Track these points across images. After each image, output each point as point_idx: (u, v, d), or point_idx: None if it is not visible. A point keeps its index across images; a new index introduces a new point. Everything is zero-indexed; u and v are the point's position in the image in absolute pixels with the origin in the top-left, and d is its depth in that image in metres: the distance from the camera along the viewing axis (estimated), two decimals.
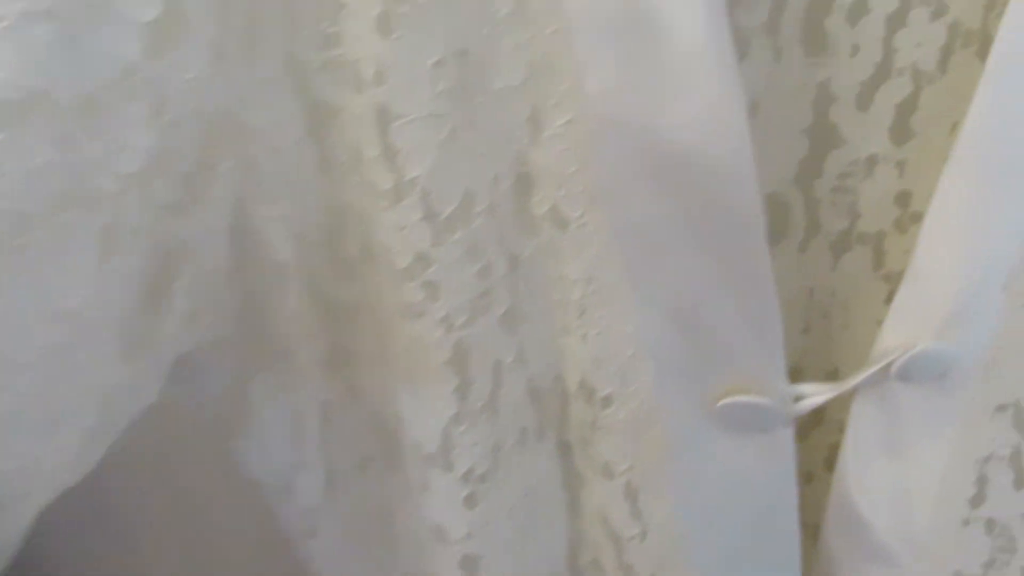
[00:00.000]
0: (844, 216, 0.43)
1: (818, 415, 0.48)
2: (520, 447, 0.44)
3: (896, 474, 0.46)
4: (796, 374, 0.46)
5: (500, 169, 0.38)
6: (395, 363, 0.41)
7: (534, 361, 0.42)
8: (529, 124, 0.38)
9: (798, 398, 0.43)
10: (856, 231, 0.44)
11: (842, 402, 0.45)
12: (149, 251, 0.37)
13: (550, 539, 0.48)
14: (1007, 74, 0.34)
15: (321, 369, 0.43)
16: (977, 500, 0.46)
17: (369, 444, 0.46)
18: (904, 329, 0.41)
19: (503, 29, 0.37)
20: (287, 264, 0.40)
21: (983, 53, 0.37)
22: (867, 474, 0.46)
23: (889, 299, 0.42)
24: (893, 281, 0.44)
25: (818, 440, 0.50)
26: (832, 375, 0.47)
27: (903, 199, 0.42)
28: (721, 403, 0.41)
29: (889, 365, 0.41)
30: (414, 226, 0.38)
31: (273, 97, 0.37)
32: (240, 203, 0.38)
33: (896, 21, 0.38)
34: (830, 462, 0.48)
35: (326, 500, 0.49)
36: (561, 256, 0.38)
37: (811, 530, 0.50)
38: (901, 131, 0.40)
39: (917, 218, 0.41)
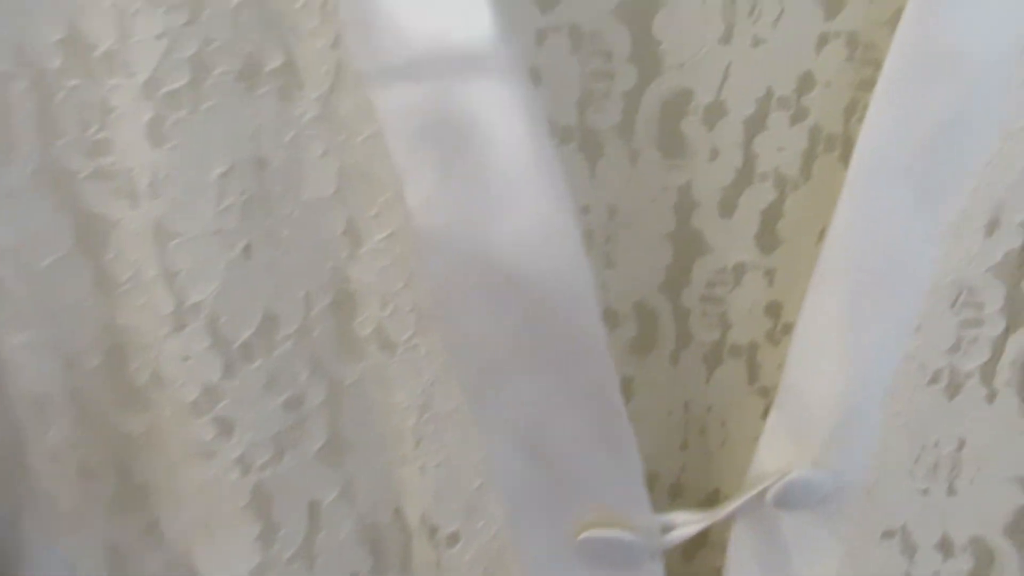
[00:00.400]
0: (715, 327, 0.40)
1: (703, 536, 0.44)
2: None
3: None
4: (676, 492, 0.43)
5: (313, 287, 0.34)
6: (190, 505, 0.37)
7: (365, 496, 0.37)
8: (346, 238, 0.34)
9: (667, 529, 0.39)
10: (728, 343, 0.41)
11: (726, 523, 0.42)
12: None
13: None
14: (869, 180, 0.32)
15: (106, 509, 0.39)
16: None
17: None
18: (779, 453, 0.38)
19: (309, 135, 0.33)
20: (48, 395, 0.36)
21: (846, 158, 0.35)
22: None
23: (766, 414, 0.39)
24: (769, 395, 0.41)
25: (704, 563, 0.46)
26: (713, 496, 0.43)
27: (774, 310, 0.39)
28: (581, 537, 0.37)
29: (764, 491, 0.38)
30: (200, 356, 0.34)
31: (25, 210, 0.33)
32: None
33: (755, 125, 0.36)
34: None
35: None
36: (390, 382, 0.35)
37: None
38: (768, 238, 0.38)
39: (789, 329, 0.38)
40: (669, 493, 0.42)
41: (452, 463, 0.36)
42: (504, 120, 0.30)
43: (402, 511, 0.38)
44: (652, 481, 0.43)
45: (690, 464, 0.45)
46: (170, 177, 0.32)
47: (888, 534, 0.39)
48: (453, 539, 0.37)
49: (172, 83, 0.31)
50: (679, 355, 0.41)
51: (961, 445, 0.37)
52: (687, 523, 0.39)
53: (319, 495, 0.36)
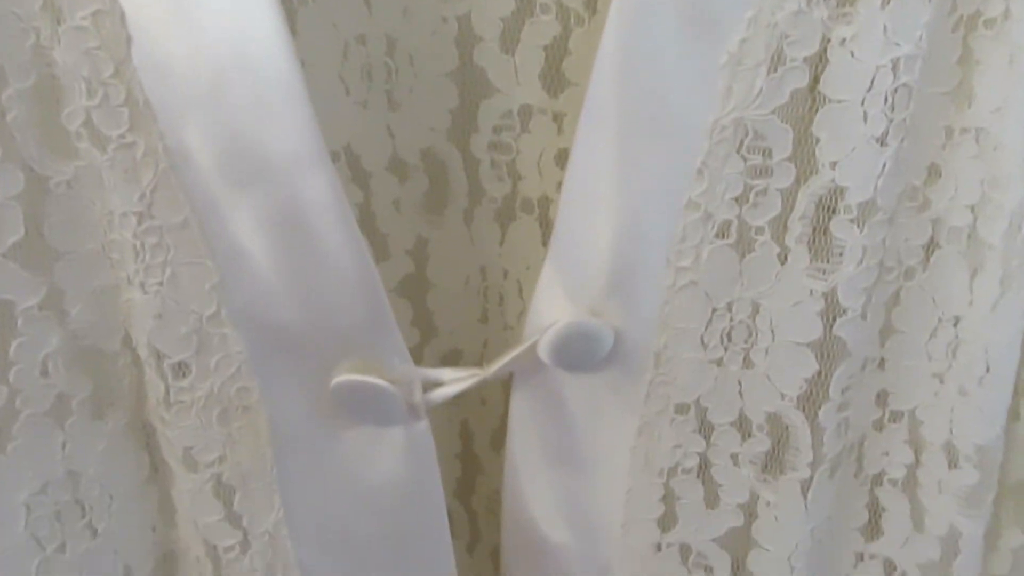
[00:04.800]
0: (505, 178, 0.38)
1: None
2: (53, 418, 0.35)
3: (572, 486, 0.37)
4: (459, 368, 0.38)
5: (9, 65, 0.30)
6: None
7: (82, 314, 0.34)
8: (46, 12, 0.30)
9: (433, 385, 0.36)
10: (519, 196, 0.38)
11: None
12: None
13: (127, 549, 0.38)
14: (636, 8, 0.30)
15: None
16: (667, 521, 0.36)
17: None
18: (554, 305, 0.35)
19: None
20: None
21: None
22: (539, 485, 0.37)
23: None
24: None
25: None
26: None
27: (564, 158, 0.35)
28: (334, 383, 0.34)
29: (535, 346, 0.35)
30: None
31: None
32: None
33: None
34: None
35: None
36: (106, 184, 0.32)
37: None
38: (554, 79, 0.35)
39: None
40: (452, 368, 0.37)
41: (178, 283, 0.32)
42: None
43: (132, 340, 0.35)
44: (456, 359, 0.40)
45: (492, 339, 0.40)
46: None
47: (682, 409, 0.35)
48: (181, 370, 0.34)
49: None
50: (472, 213, 0.39)
51: (755, 310, 0.34)
52: (455, 380, 0.35)
53: (13, 297, 0.32)
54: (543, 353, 0.34)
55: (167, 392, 0.34)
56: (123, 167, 0.31)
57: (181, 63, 0.30)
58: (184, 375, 0.34)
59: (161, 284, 0.32)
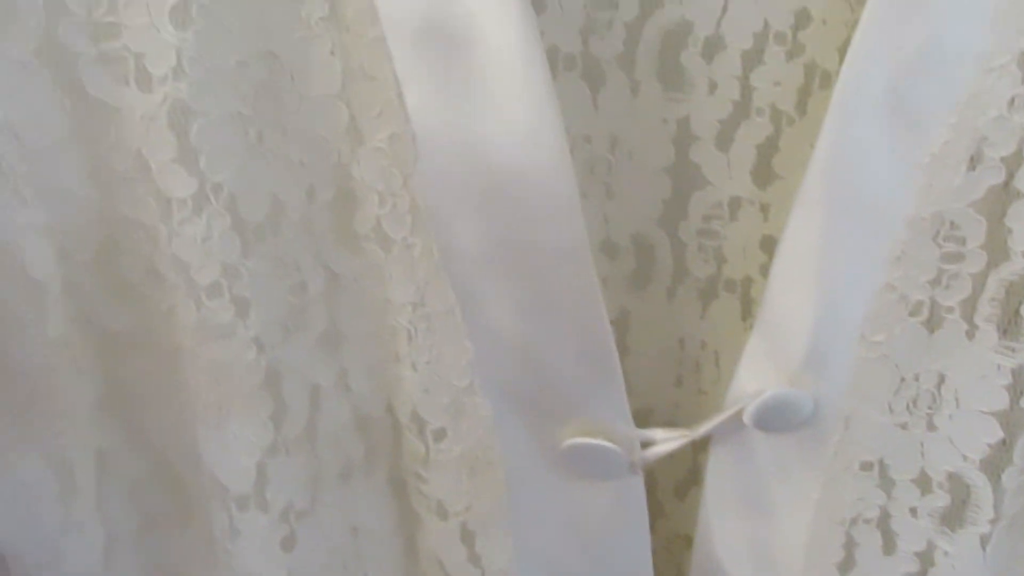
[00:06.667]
0: (711, 261, 0.42)
1: (695, 474, 0.44)
2: (343, 481, 0.39)
3: (760, 533, 0.41)
4: (670, 428, 0.42)
5: (316, 181, 0.34)
6: (191, 398, 0.36)
7: (360, 387, 0.38)
8: (349, 135, 0.33)
9: (648, 445, 0.40)
10: (723, 277, 0.42)
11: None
12: None
13: None
14: (850, 108, 0.32)
15: (92, 410, 0.38)
16: (846, 566, 0.40)
17: (154, 500, 0.40)
18: (757, 375, 0.39)
19: (317, 34, 0.32)
20: (48, 284, 0.35)
21: None
22: (729, 531, 0.42)
23: None
24: None
25: (696, 502, 0.44)
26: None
27: (768, 244, 0.38)
28: (565, 445, 0.39)
29: (741, 411, 0.39)
30: (222, 235, 0.33)
31: (27, 87, 0.31)
32: None
33: (752, 59, 0.36)
34: None
35: (105, 571, 0.42)
36: (386, 278, 0.35)
37: None
38: (763, 173, 0.38)
39: None
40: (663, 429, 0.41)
41: (442, 361, 0.36)
42: (500, 25, 0.30)
43: (393, 407, 0.39)
44: (646, 417, 0.44)
45: (684, 401, 0.44)
46: (195, 59, 0.31)
47: (866, 466, 0.39)
48: (440, 435, 0.37)
49: None
50: (675, 290, 0.43)
51: (941, 380, 0.37)
52: (667, 440, 0.40)
53: (319, 380, 0.37)
54: (748, 418, 0.38)
55: (427, 453, 0.39)
56: (403, 265, 0.34)
57: (459, 172, 0.33)
58: (443, 439, 0.38)
59: (428, 362, 0.36)
